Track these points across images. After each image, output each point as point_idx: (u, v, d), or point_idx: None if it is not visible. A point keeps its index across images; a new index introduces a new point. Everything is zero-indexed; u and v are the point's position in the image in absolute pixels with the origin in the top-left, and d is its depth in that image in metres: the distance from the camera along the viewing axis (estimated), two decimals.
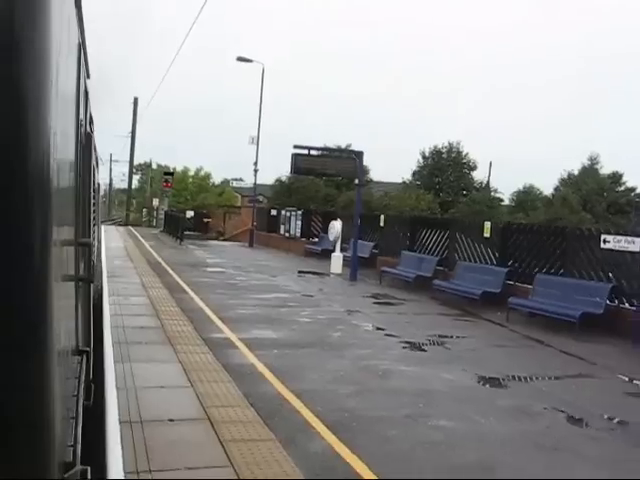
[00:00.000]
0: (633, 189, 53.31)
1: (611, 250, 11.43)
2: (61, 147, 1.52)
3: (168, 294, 12.76)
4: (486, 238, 15.06)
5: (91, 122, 5.08)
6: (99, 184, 14.37)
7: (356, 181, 18.52)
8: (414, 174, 62.87)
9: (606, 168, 54.92)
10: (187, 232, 32.35)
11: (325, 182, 53.33)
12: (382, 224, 20.46)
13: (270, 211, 33.15)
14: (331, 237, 20.60)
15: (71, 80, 2.22)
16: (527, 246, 13.77)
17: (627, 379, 8.22)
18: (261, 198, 63.45)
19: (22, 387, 1.14)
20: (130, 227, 41.69)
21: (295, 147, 17.89)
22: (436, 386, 7.21)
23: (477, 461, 5.02)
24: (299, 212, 28.34)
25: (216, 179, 70.51)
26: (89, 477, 1.90)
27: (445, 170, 62.60)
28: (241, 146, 69.12)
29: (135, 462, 4.40)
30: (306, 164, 17.76)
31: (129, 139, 51.30)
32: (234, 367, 7.30)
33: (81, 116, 3.06)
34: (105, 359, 6.85)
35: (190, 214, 37.13)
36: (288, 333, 9.68)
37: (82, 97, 3.15)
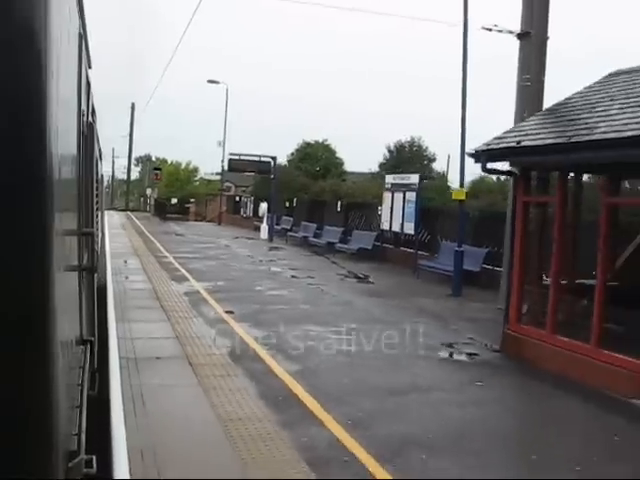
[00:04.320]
0: None
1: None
2: (62, 138, 1.53)
3: (143, 243, 22.48)
4: (338, 211, 24.69)
5: (93, 113, 5.03)
6: (102, 175, 15.77)
7: (272, 176, 28.10)
8: (380, 166, 72.14)
9: None
10: (172, 215, 42.08)
11: (304, 173, 62.64)
12: (294, 204, 30.13)
13: (235, 198, 42.82)
14: (260, 213, 30.31)
15: (72, 71, 2.24)
16: (354, 214, 23.41)
17: (346, 270, 17.81)
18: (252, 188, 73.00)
19: (26, 376, 1.17)
20: (128, 212, 51.50)
21: (231, 154, 27.60)
22: (249, 269, 16.86)
23: (233, 278, 14.64)
24: (251, 198, 37.98)
25: (210, 169, 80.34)
26: (94, 466, 1.94)
27: (407, 162, 71.70)
28: (238, 141, 79.12)
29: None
30: (236, 164, 27.42)
31: (129, 138, 61.07)
32: (162, 262, 17.00)
33: (83, 106, 3.05)
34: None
35: (174, 201, 46.77)
36: (197, 255, 19.40)
37: (84, 87, 3.16)
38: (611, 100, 7.99)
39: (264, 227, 29.61)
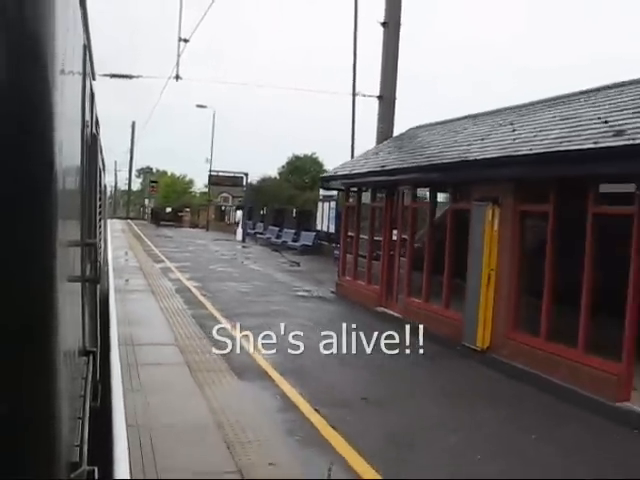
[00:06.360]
0: None
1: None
2: (66, 149, 1.56)
3: (139, 244, 28.92)
4: (294, 217, 31.09)
5: (97, 124, 5.09)
6: (105, 185, 16.96)
7: (244, 188, 34.53)
8: None
9: None
10: (166, 222, 48.58)
11: (293, 184, 68.89)
12: (265, 212, 36.60)
13: (221, 207, 49.41)
14: (236, 219, 36.80)
15: (77, 82, 2.28)
16: (303, 219, 29.83)
17: (287, 260, 24.08)
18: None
19: (29, 387, 1.17)
20: (129, 220, 58.10)
21: (210, 171, 34.11)
22: (212, 258, 23.19)
23: (198, 262, 20.98)
24: (234, 207, 44.48)
25: (206, 181, 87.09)
26: (96, 477, 1.94)
27: None
28: (235, 152, 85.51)
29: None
30: (215, 179, 33.92)
31: (134, 152, 67.81)
32: (150, 253, 23.39)
33: (87, 118, 3.13)
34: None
35: (169, 209, 53.32)
36: (179, 249, 25.79)
37: (88, 99, 3.21)
38: (394, 147, 14.29)
39: (239, 231, 36.02)
